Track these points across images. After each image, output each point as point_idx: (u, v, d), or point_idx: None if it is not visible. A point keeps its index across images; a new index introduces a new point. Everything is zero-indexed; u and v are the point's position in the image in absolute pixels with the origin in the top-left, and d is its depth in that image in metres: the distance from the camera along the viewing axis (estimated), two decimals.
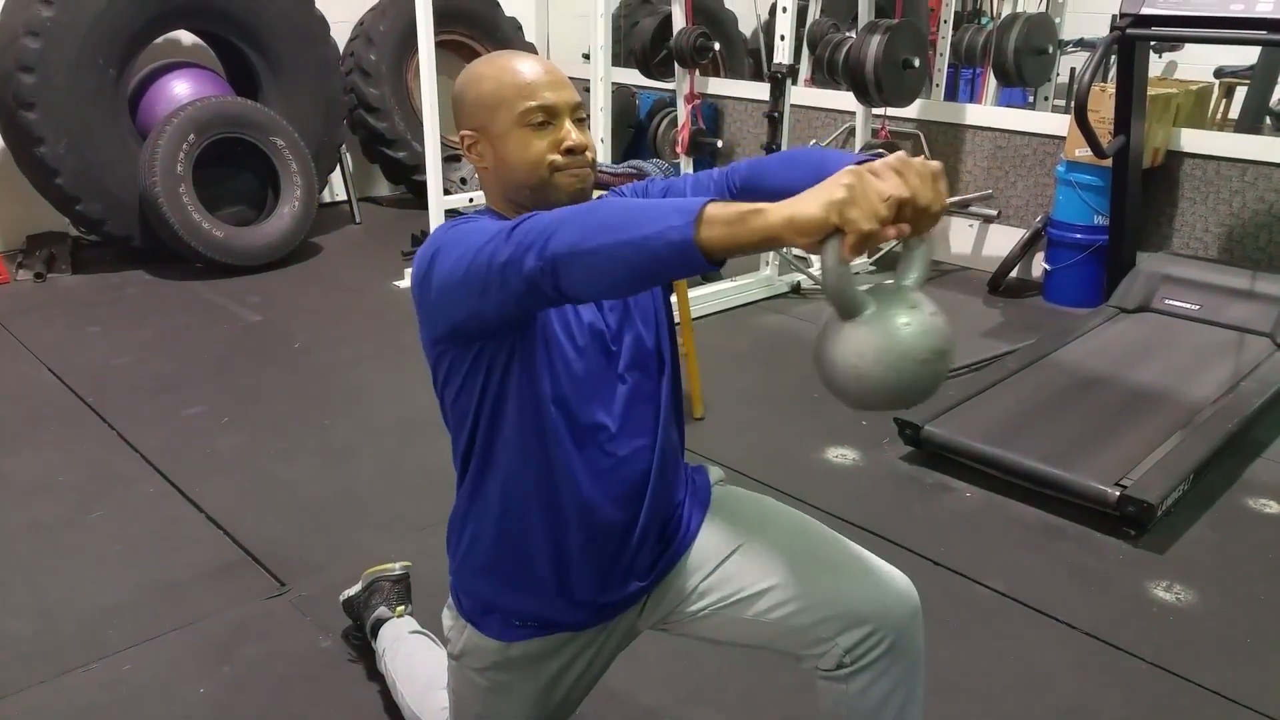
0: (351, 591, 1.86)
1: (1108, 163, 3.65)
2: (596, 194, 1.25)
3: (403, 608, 1.77)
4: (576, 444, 1.18)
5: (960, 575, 2.16)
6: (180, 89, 4.38)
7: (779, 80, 3.81)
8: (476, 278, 1.03)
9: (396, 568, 1.84)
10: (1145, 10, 3.28)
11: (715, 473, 1.39)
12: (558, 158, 1.16)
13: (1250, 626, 2.01)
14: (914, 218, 0.92)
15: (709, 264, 0.93)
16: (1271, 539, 2.35)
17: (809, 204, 0.89)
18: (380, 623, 1.75)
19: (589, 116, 4.07)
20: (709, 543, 1.29)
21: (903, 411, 2.77)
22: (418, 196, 5.02)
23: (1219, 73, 5.84)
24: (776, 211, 0.90)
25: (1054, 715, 1.76)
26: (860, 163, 0.98)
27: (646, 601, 1.30)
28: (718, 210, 0.90)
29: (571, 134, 1.17)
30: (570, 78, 1.24)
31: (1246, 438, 2.77)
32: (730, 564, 1.26)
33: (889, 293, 0.98)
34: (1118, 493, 2.30)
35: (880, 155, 1.02)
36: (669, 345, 1.27)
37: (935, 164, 0.94)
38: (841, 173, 0.90)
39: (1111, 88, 3.66)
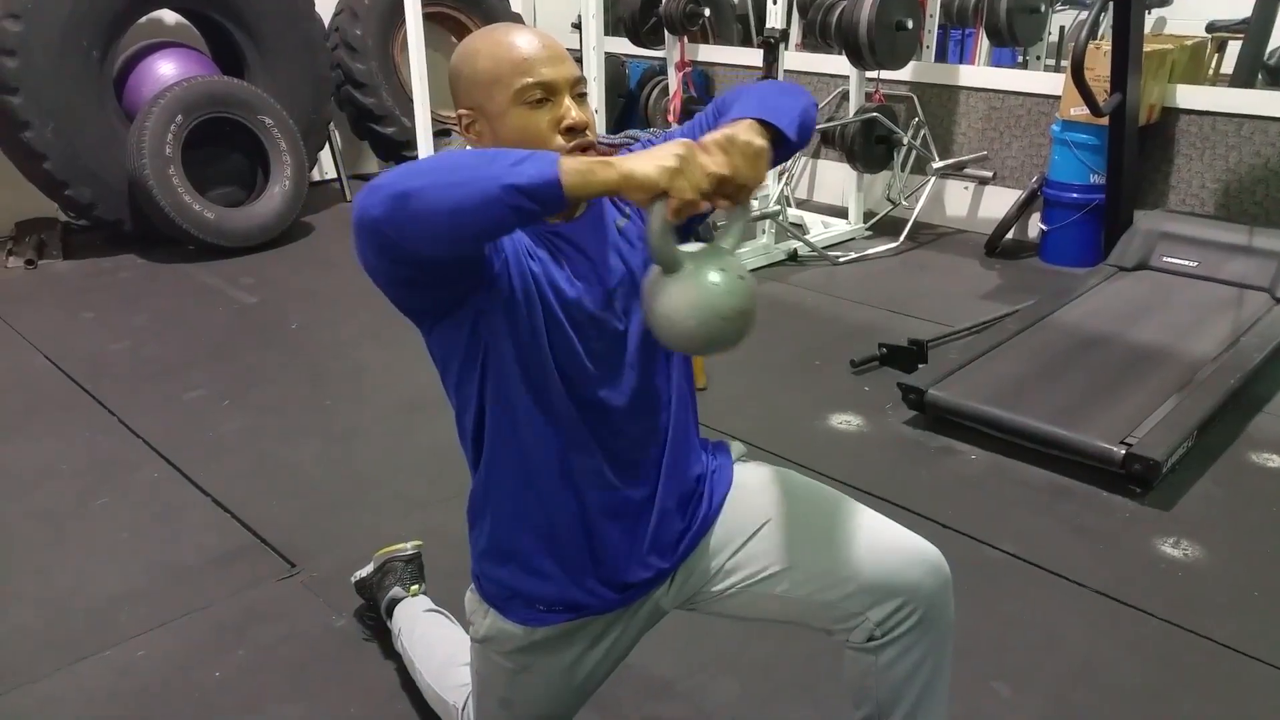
0: (364, 573, 1.86)
1: (1103, 121, 3.63)
2: None
3: (416, 586, 1.77)
4: (586, 424, 1.17)
5: (969, 537, 2.17)
6: (166, 69, 4.31)
7: (772, 46, 3.76)
8: (357, 236, 1.02)
9: (409, 547, 1.83)
10: None
11: (737, 448, 1.37)
12: (558, 139, 1.13)
13: (1257, 580, 2.02)
14: (733, 192, 1.02)
15: (560, 202, 0.97)
16: (1275, 493, 2.36)
17: (645, 165, 0.97)
18: (395, 602, 1.74)
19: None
20: (733, 520, 1.27)
21: (906, 376, 2.77)
22: None
23: (1211, 27, 5.79)
24: (619, 166, 0.97)
25: (1067, 673, 1.77)
26: (734, 120, 1.06)
27: (671, 581, 1.29)
28: (572, 161, 0.97)
29: (571, 111, 1.13)
30: None
31: (1247, 393, 2.78)
32: (756, 541, 1.25)
33: (706, 254, 1.07)
34: (1123, 451, 2.30)
35: (745, 119, 1.07)
36: None
37: (759, 143, 1.03)
38: (675, 141, 1.00)
39: (1106, 45, 3.63)
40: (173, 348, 3.27)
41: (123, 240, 4.26)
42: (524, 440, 1.17)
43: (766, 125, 1.07)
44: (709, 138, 1.02)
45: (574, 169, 0.96)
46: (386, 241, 0.98)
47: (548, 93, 1.13)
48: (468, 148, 1.16)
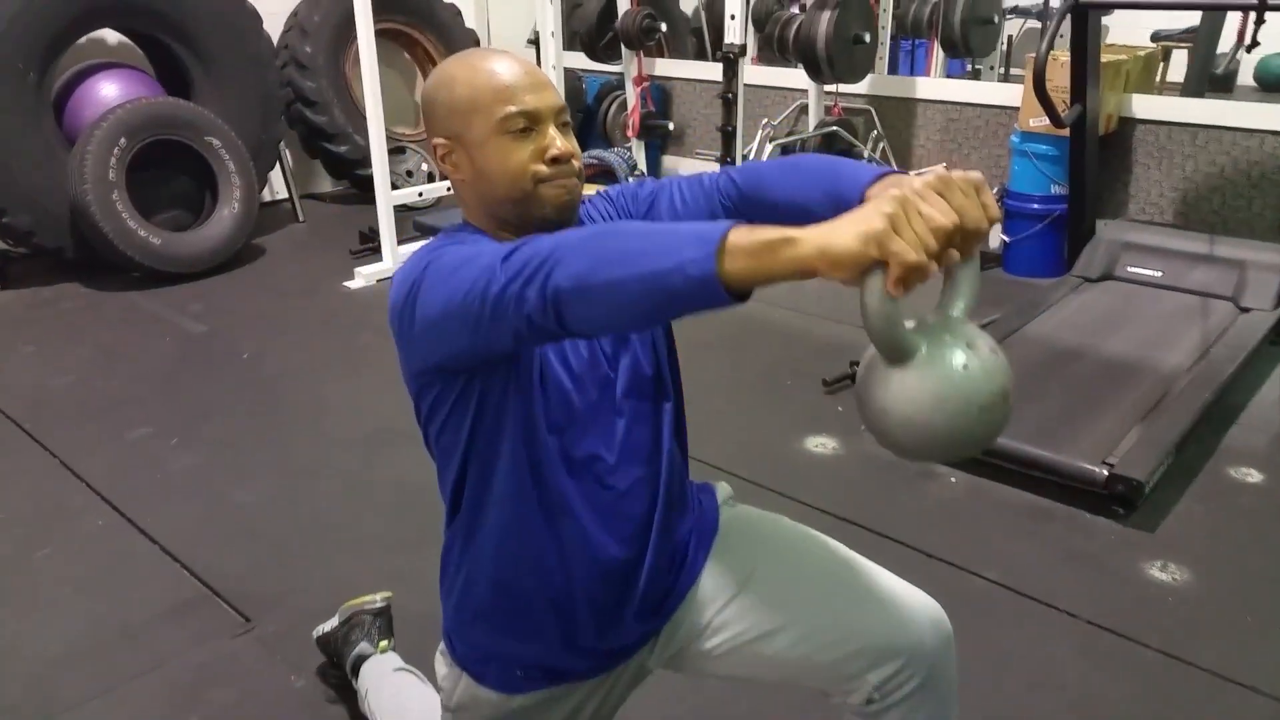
0: (327, 627, 1.75)
1: (1063, 132, 3.63)
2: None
3: (385, 642, 1.67)
4: (574, 478, 1.09)
5: (952, 566, 2.11)
6: (108, 91, 4.16)
7: (731, 61, 3.72)
8: (469, 313, 0.93)
9: (377, 599, 1.73)
10: None
11: (724, 490, 1.29)
12: (541, 168, 1.06)
13: (1247, 603, 1.99)
14: (963, 243, 0.82)
15: (732, 299, 0.80)
16: (1256, 507, 2.34)
17: (844, 234, 0.78)
18: (361, 660, 1.64)
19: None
20: (721, 572, 1.20)
21: None
22: (362, 191, 4.85)
23: (1156, 37, 5.88)
24: (809, 241, 0.79)
25: (1065, 708, 1.72)
26: (879, 178, 0.92)
27: (656, 639, 1.21)
28: (742, 238, 0.79)
29: (556, 141, 1.06)
30: None
31: (1221, 405, 2.77)
32: (746, 596, 1.17)
33: (939, 328, 0.87)
34: (1106, 472, 2.27)
35: (893, 171, 0.97)
36: (669, 369, 1.18)
37: (976, 175, 0.85)
38: (883, 199, 0.80)
39: (1064, 56, 3.64)
40: (118, 382, 3.12)
41: (64, 268, 4.09)
42: (507, 494, 1.09)
43: None
44: (918, 184, 0.82)
45: (743, 249, 0.79)
46: (546, 331, 0.90)
47: (531, 122, 1.06)
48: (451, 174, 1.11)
